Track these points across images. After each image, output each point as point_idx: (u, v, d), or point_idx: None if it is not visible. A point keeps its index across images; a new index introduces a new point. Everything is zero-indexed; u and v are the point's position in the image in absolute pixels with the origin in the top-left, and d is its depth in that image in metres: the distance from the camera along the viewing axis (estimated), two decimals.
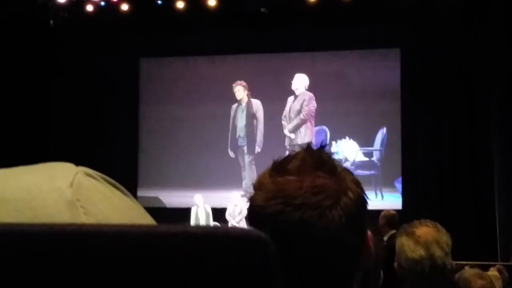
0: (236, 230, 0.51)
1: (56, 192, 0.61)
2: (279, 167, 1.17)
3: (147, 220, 0.66)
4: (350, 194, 1.14)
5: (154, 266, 0.49)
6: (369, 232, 1.22)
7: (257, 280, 0.50)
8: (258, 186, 1.18)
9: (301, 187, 1.11)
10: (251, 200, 1.18)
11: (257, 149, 13.58)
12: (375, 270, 1.97)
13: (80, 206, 0.61)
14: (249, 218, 1.17)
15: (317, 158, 1.17)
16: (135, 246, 0.50)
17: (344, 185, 1.15)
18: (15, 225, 0.52)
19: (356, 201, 1.14)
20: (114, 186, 0.67)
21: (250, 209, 1.18)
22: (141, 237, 0.50)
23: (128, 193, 0.68)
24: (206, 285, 0.49)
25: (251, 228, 0.52)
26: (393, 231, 6.32)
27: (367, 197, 1.20)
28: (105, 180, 0.67)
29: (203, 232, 0.51)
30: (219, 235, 0.50)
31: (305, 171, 1.14)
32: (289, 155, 1.21)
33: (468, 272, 4.19)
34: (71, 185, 0.62)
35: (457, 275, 3.99)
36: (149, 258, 0.50)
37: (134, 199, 0.68)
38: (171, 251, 0.50)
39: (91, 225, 0.52)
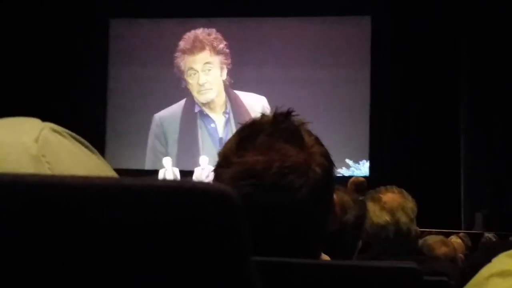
0: (202, 185, 0.51)
1: (21, 147, 0.60)
2: (247, 143, 1.15)
3: None
4: (318, 170, 1.14)
5: (119, 218, 0.49)
6: (335, 197, 1.23)
7: (223, 233, 0.50)
8: (224, 163, 1.15)
9: (270, 167, 1.10)
10: (217, 176, 1.16)
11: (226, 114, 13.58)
12: (351, 236, 1.98)
13: (45, 161, 0.60)
14: None
15: (284, 133, 1.15)
16: (100, 198, 0.49)
17: (312, 159, 1.14)
18: None
19: (324, 176, 1.14)
20: (80, 143, 0.66)
21: None
22: (106, 189, 0.50)
23: (95, 151, 0.67)
24: (172, 238, 0.50)
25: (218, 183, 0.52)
26: (361, 198, 6.37)
27: (335, 167, 1.21)
28: (72, 136, 0.66)
29: (170, 185, 0.50)
30: (185, 189, 0.50)
31: (273, 147, 1.13)
32: (255, 127, 1.18)
33: (432, 238, 4.24)
34: (37, 140, 0.61)
35: (421, 241, 4.04)
36: (114, 210, 0.49)
37: (100, 157, 0.67)
38: (137, 203, 0.49)
39: (54, 176, 0.51)
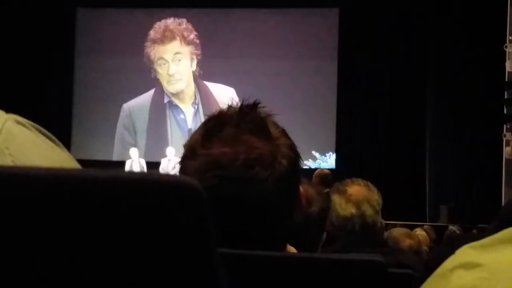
0: (167, 177, 0.51)
1: None
2: (213, 134, 1.15)
3: None
4: (284, 162, 1.14)
5: (82, 211, 0.49)
6: (301, 189, 1.24)
7: (188, 226, 0.50)
8: (190, 154, 1.15)
9: (236, 159, 1.10)
10: (183, 168, 1.16)
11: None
12: (316, 228, 1.98)
13: (8, 154, 0.59)
14: None
15: (251, 125, 1.16)
16: (63, 190, 0.49)
17: (279, 151, 1.14)
18: None
19: (290, 168, 1.15)
20: (45, 135, 0.65)
21: None
22: (71, 180, 0.49)
23: (60, 143, 0.66)
24: (136, 231, 0.49)
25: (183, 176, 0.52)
26: (326, 190, 6.39)
27: (301, 159, 1.21)
28: (37, 129, 0.65)
29: (134, 178, 0.50)
30: (151, 181, 0.50)
31: (239, 139, 1.13)
32: (221, 119, 1.18)
33: (397, 231, 4.27)
34: (0, 132, 0.61)
35: (386, 234, 4.07)
36: (78, 203, 0.49)
37: (65, 150, 0.67)
38: (101, 196, 0.49)
39: (18, 167, 0.51)
